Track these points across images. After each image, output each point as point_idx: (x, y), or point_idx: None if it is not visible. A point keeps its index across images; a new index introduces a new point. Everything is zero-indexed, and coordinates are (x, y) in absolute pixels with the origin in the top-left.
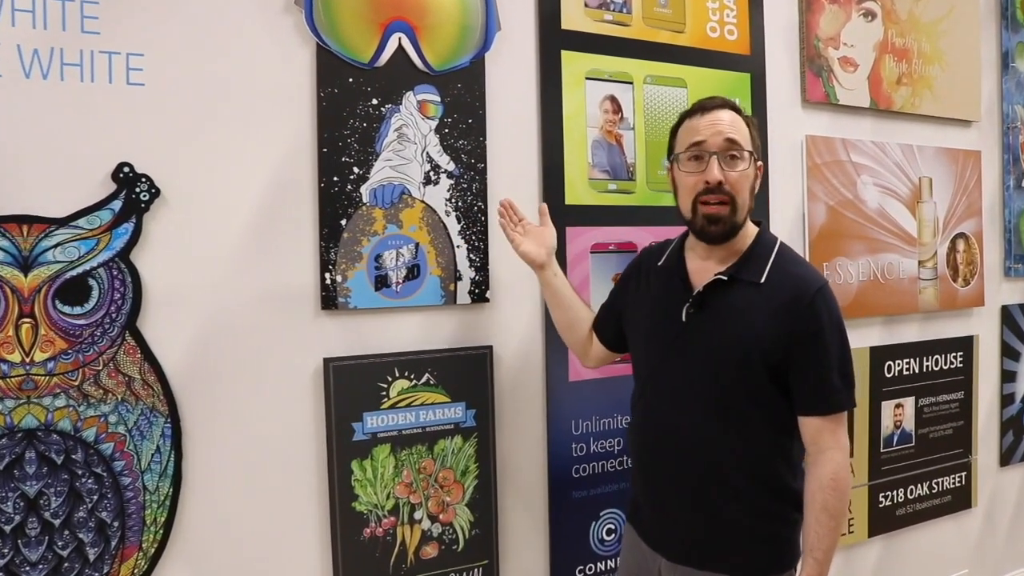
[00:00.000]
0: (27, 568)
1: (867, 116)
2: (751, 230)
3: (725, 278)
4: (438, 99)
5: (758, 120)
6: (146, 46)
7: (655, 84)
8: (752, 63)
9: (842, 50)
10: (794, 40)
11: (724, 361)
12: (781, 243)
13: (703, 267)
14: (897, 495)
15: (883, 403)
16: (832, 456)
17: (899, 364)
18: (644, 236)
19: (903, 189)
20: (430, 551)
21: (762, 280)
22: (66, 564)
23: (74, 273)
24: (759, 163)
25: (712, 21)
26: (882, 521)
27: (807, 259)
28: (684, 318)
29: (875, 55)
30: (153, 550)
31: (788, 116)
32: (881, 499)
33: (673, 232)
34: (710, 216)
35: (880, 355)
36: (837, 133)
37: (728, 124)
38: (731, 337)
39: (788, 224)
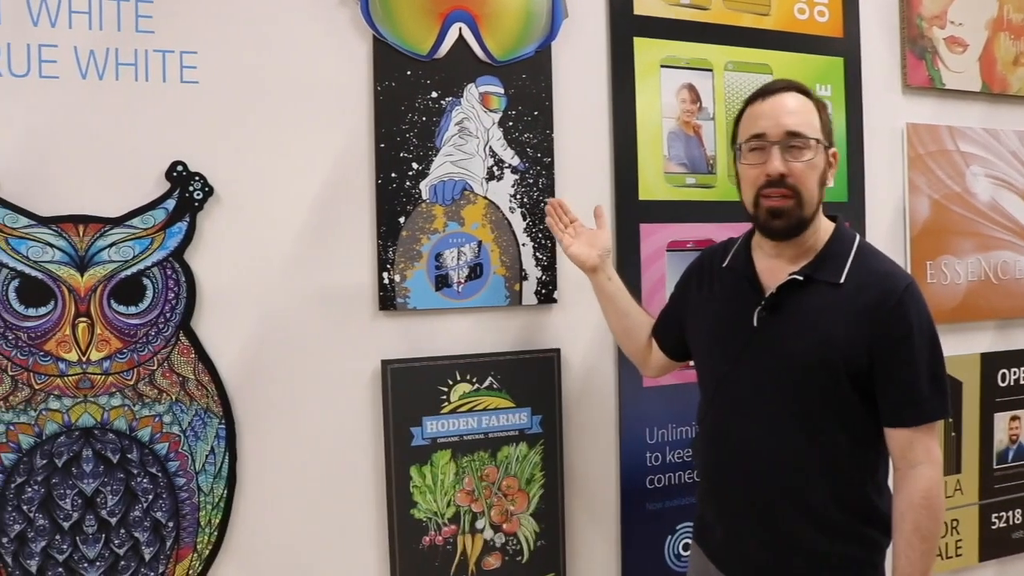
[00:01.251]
0: (85, 565)
1: (978, 101)
2: (826, 225)
3: (800, 278)
4: (501, 91)
5: (853, 108)
6: (200, 44)
7: (737, 71)
8: (845, 46)
9: (949, 29)
10: (893, 20)
11: (801, 368)
12: (861, 239)
13: (773, 267)
14: (1013, 516)
15: (996, 415)
16: (924, 472)
17: (1015, 372)
18: (725, 233)
19: (1020, 180)
20: (492, 562)
21: (842, 280)
22: (122, 562)
23: (129, 273)
24: (832, 151)
25: (800, 2)
26: (995, 545)
27: (908, 257)
28: (755, 323)
29: (987, 34)
30: (208, 552)
31: (886, 103)
32: (994, 520)
33: None
34: (772, 210)
35: (993, 362)
36: (943, 120)
37: (791, 110)
38: (809, 342)
39: (887, 220)
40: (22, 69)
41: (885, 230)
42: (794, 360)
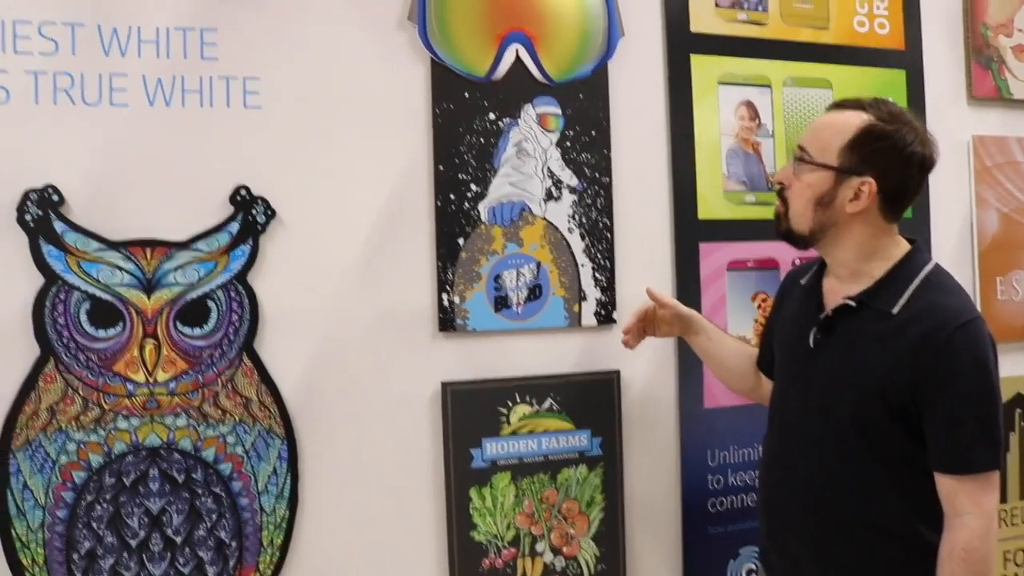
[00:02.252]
0: None
1: None
2: (895, 250)
3: (853, 304)
4: (559, 111)
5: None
6: (262, 70)
7: (796, 86)
8: (907, 58)
9: (1016, 37)
10: (957, 30)
11: (840, 398)
12: (935, 267)
13: (836, 289)
14: None
15: None
16: (968, 523)
17: None
18: (786, 252)
19: None
20: None
21: (895, 310)
22: None
23: (194, 295)
24: (862, 180)
25: (860, 15)
26: None
27: (976, 273)
28: (812, 344)
29: None
30: (270, 572)
31: (951, 115)
32: None
33: None
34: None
35: None
36: (1011, 131)
37: (817, 126)
38: (850, 373)
39: (953, 235)
40: (94, 98)
41: (952, 246)
42: (836, 388)
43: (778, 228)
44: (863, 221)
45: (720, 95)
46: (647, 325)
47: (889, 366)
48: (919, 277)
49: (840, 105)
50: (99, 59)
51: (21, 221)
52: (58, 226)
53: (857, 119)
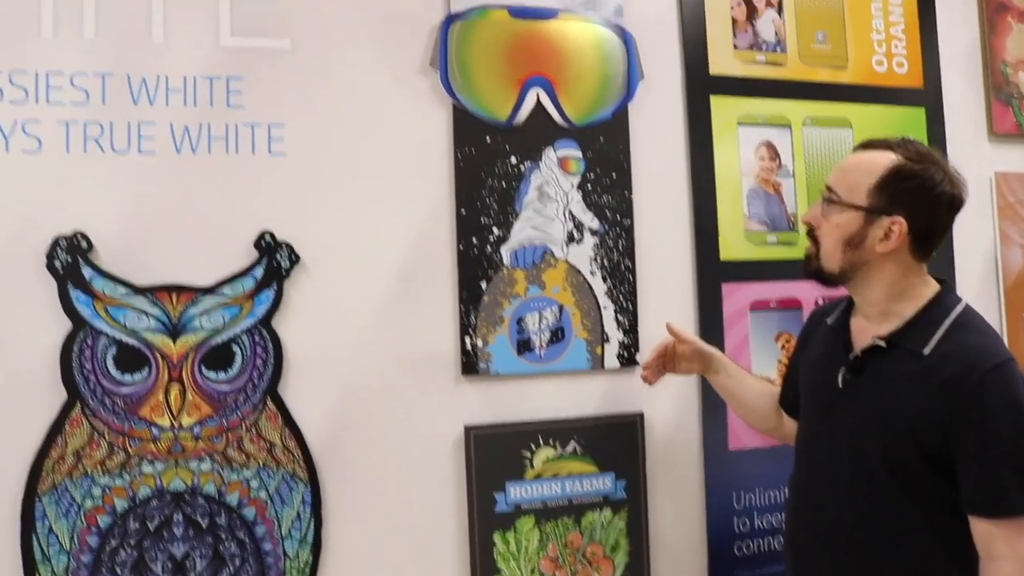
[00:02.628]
0: None
1: None
2: (925, 289)
3: (883, 344)
4: (580, 154)
5: None
6: (286, 117)
7: (816, 126)
8: (926, 96)
9: None
10: (976, 67)
11: (871, 441)
12: (965, 308)
13: (865, 328)
14: None
15: None
16: (1002, 567)
17: None
18: (809, 292)
19: None
20: None
21: (926, 351)
22: None
23: (219, 340)
24: (892, 220)
25: (878, 54)
26: None
27: (1002, 311)
28: (840, 384)
29: None
30: None
31: (972, 152)
32: None
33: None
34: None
35: None
36: None
37: (844, 167)
38: (880, 413)
39: (977, 273)
40: (123, 146)
41: (976, 284)
42: (866, 429)
43: (807, 267)
44: (893, 261)
45: (740, 136)
46: (667, 361)
47: (920, 407)
48: (950, 318)
49: (867, 145)
50: (128, 108)
51: (51, 267)
52: (86, 272)
53: (885, 159)
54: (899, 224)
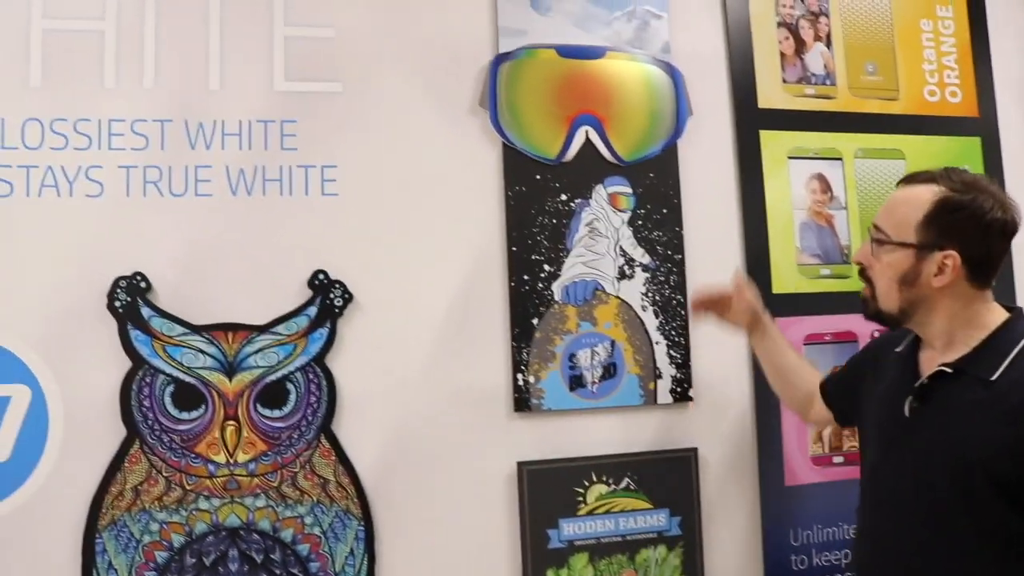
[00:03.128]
0: None
1: None
2: (991, 316)
3: (949, 371)
4: (630, 190)
5: None
6: (339, 158)
7: (868, 158)
8: (981, 125)
9: None
10: None
11: (938, 470)
12: None
13: (932, 356)
14: None
15: None
16: None
17: None
18: (864, 325)
19: None
20: None
21: (994, 377)
22: None
23: (274, 377)
24: (945, 254)
25: (930, 84)
26: None
27: None
28: (908, 412)
29: None
30: None
31: None
32: None
33: None
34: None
35: None
36: None
37: (891, 204)
38: (949, 442)
39: None
40: (180, 189)
41: None
42: (933, 459)
43: (866, 311)
44: (952, 294)
45: (791, 169)
46: (720, 305)
47: (989, 435)
48: (1020, 344)
49: (911, 179)
50: (186, 152)
51: (111, 307)
52: (145, 312)
53: (930, 192)
54: (952, 257)
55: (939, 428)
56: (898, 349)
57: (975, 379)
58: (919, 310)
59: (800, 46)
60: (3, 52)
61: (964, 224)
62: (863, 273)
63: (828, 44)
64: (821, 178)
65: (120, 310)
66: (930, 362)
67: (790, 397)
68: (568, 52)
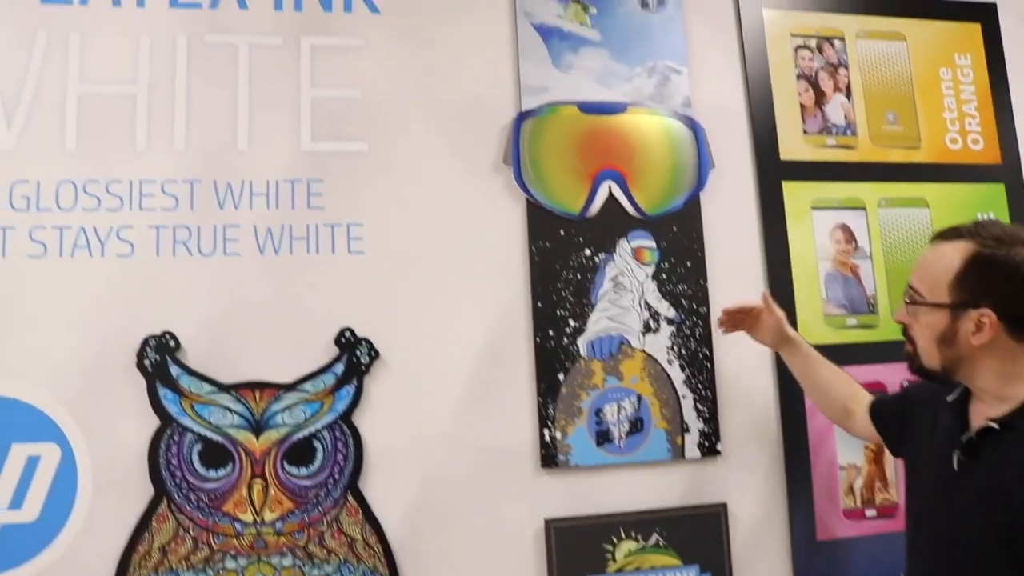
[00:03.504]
0: None
1: None
2: None
3: (996, 426)
4: (653, 244)
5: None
6: (365, 216)
7: (891, 207)
8: (1005, 172)
9: None
10: None
11: (986, 527)
12: None
13: (982, 410)
14: None
15: None
16: None
17: None
18: (893, 375)
19: None
20: None
21: None
22: None
23: (301, 435)
24: (981, 312)
25: (951, 132)
26: None
27: None
28: (956, 465)
29: None
30: None
31: None
32: None
33: None
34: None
35: None
36: None
37: (922, 263)
38: (996, 499)
39: None
40: (209, 248)
41: None
42: (980, 515)
43: (911, 367)
44: (992, 351)
45: (814, 220)
46: (747, 320)
47: None
48: None
49: (941, 236)
50: (214, 212)
51: (140, 366)
52: (174, 370)
53: (960, 250)
54: (988, 315)
55: (987, 484)
56: (950, 398)
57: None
58: (962, 367)
59: (820, 97)
60: (41, 117)
61: (997, 280)
62: (906, 331)
63: (848, 95)
64: (845, 228)
65: (149, 369)
66: (980, 415)
67: (827, 409)
68: (590, 108)
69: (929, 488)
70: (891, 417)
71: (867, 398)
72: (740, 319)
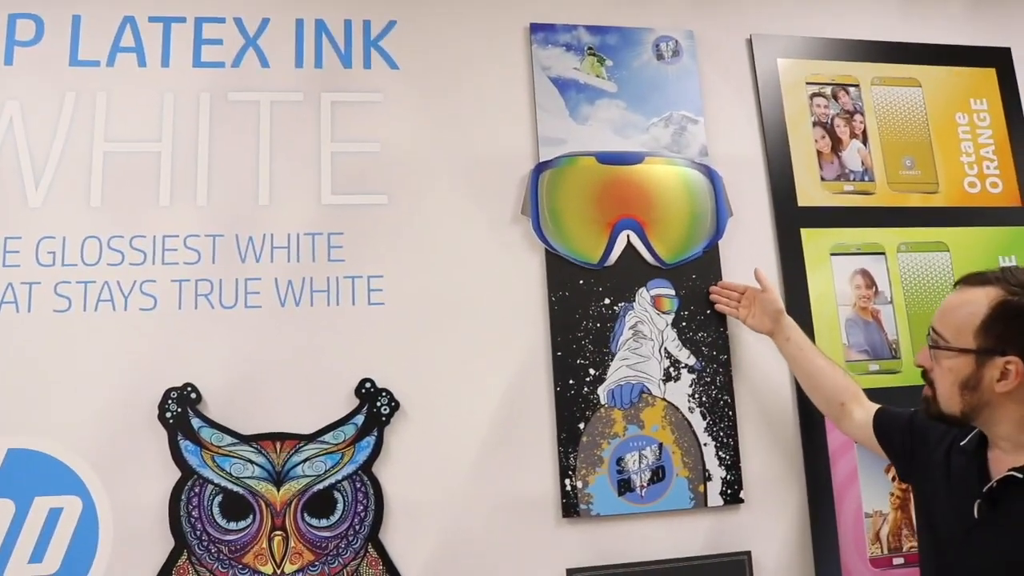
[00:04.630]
0: None
1: None
2: None
3: (1021, 476)
4: (673, 292)
5: None
6: (385, 268)
7: (911, 251)
8: None
9: None
10: None
11: None
12: None
13: (1001, 458)
14: None
15: None
16: None
17: None
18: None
19: None
20: None
21: None
22: None
23: (321, 487)
24: (1007, 359)
25: (970, 176)
26: None
27: None
28: (976, 515)
29: None
30: None
31: None
32: None
33: None
34: (922, 396)
35: None
36: None
37: (946, 307)
38: (1018, 555)
39: None
40: (230, 301)
41: None
42: (1004, 567)
43: (928, 411)
44: (1016, 399)
45: (834, 266)
46: (746, 302)
47: None
48: None
49: (967, 281)
50: (236, 266)
51: (162, 418)
52: (195, 422)
53: (988, 296)
54: (1015, 363)
55: (1008, 535)
56: (963, 443)
57: None
58: (983, 413)
59: (836, 144)
60: (68, 175)
61: (1010, 330)
62: (925, 375)
63: (864, 141)
64: (865, 273)
65: (170, 421)
66: (999, 463)
67: (821, 400)
68: (607, 159)
69: (950, 538)
70: (900, 440)
71: (867, 402)
72: (736, 299)
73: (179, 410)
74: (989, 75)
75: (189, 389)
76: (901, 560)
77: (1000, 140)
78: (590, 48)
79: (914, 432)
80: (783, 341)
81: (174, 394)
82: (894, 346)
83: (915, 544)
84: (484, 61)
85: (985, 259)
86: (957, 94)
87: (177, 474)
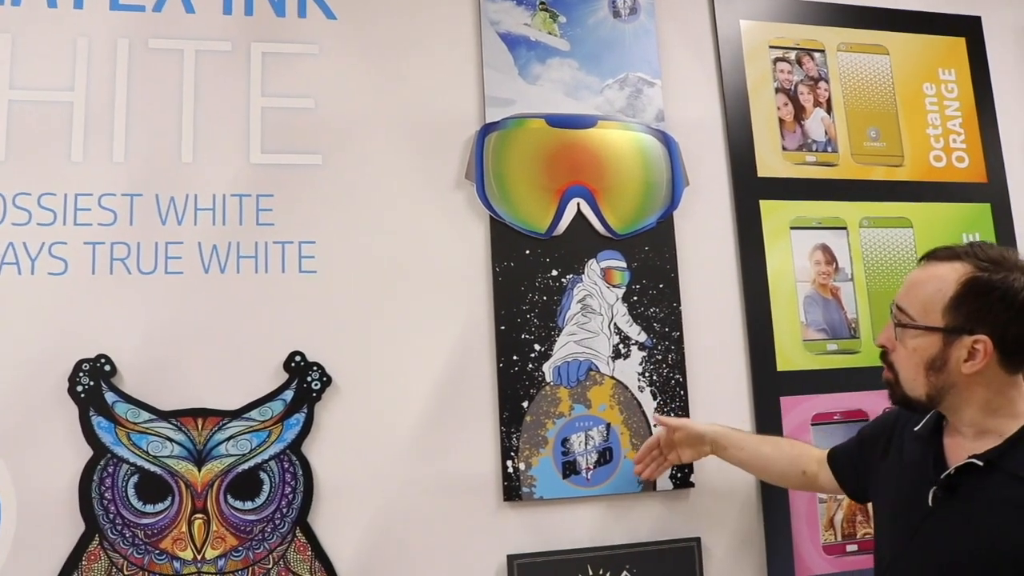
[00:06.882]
0: None
1: None
2: None
3: (980, 463)
4: (624, 265)
5: None
6: (318, 234)
7: (874, 227)
8: (991, 191)
9: None
10: None
11: (966, 565)
12: None
13: (959, 443)
14: None
15: None
16: None
17: None
18: (876, 402)
19: None
20: None
21: None
22: None
23: (246, 466)
24: (976, 338)
25: (936, 149)
26: None
27: None
28: (931, 502)
29: None
30: None
31: None
32: None
33: None
34: (883, 380)
35: None
36: None
37: (913, 282)
38: (979, 542)
39: None
40: (149, 267)
41: None
42: (960, 554)
43: (892, 396)
44: (983, 381)
45: (793, 240)
46: (667, 452)
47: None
48: None
49: (933, 256)
50: (156, 228)
51: (72, 392)
52: (109, 397)
53: (956, 271)
54: (983, 342)
55: (967, 523)
56: (917, 428)
57: (1009, 475)
58: (948, 396)
59: (800, 112)
60: None
61: (995, 307)
62: (885, 356)
63: (828, 110)
64: (825, 249)
65: (82, 395)
66: (957, 449)
67: (784, 481)
68: (558, 121)
69: (903, 526)
70: (851, 462)
71: (822, 455)
72: (658, 456)
73: (91, 383)
74: (959, 44)
75: (103, 361)
76: (855, 547)
77: (968, 113)
78: (542, 3)
79: (862, 446)
80: (724, 453)
81: (86, 366)
82: (853, 325)
83: (870, 531)
84: (428, 13)
85: (949, 236)
86: (925, 63)
87: (89, 452)
